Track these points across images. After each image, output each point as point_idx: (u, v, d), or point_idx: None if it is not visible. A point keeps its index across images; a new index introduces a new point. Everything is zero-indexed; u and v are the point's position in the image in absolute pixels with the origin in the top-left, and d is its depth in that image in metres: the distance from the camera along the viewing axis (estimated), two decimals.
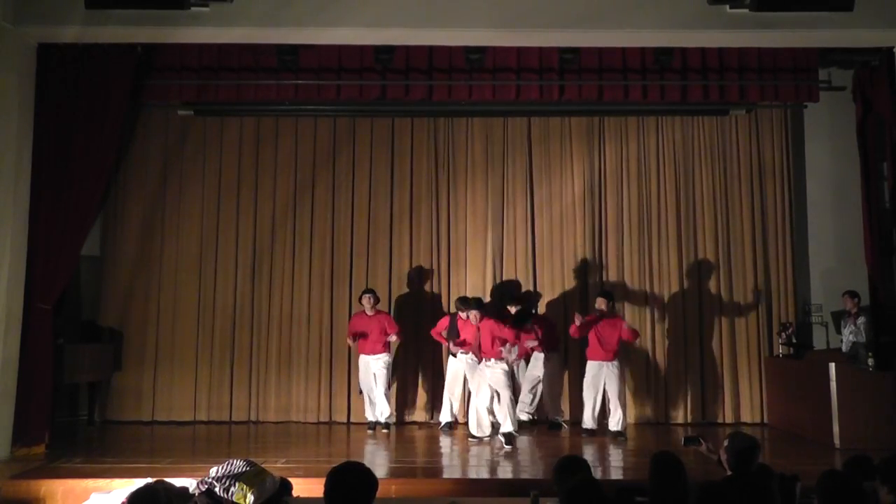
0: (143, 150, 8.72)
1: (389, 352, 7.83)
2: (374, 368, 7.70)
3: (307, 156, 8.81)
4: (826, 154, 8.65)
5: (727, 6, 6.56)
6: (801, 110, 8.71)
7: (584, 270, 8.65)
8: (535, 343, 7.74)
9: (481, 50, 7.48)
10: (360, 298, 7.88)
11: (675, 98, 8.01)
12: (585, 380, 7.52)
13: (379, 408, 7.77)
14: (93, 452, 6.85)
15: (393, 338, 7.76)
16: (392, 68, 7.70)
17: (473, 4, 6.60)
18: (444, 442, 7.47)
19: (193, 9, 6.42)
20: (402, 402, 8.43)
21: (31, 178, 6.81)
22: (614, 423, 7.37)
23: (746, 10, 6.48)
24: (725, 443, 3.70)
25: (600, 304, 7.54)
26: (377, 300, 7.83)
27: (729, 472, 3.63)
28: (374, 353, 7.68)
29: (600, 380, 7.39)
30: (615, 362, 7.37)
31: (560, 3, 6.64)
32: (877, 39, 7.07)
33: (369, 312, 7.71)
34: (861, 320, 7.54)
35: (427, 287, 8.66)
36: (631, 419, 8.15)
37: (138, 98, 7.83)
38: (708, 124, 8.85)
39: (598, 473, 5.40)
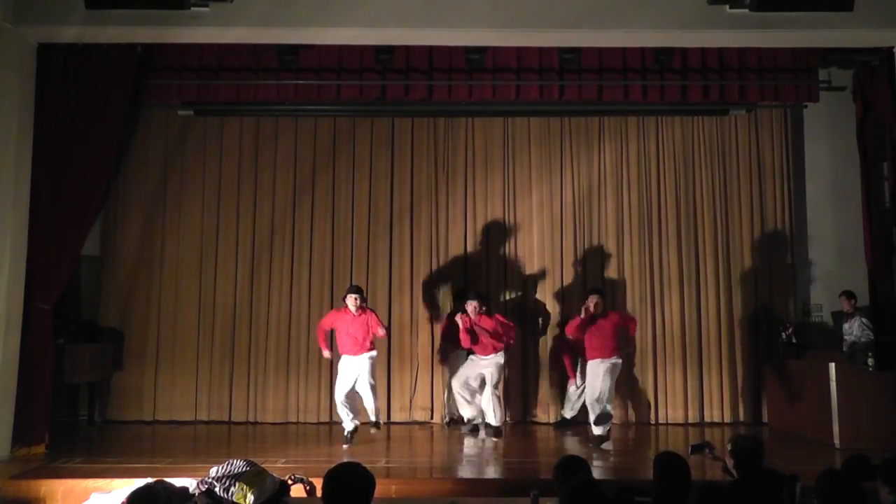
0: (143, 150, 8.71)
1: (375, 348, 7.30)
2: (361, 367, 7.10)
3: (307, 156, 8.80)
4: (826, 154, 8.68)
5: (727, 6, 6.57)
6: (801, 110, 8.74)
7: (584, 270, 8.64)
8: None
9: (481, 50, 7.48)
10: (344, 298, 7.24)
11: (675, 98, 8.04)
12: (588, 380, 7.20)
13: (371, 406, 7.23)
14: (93, 452, 6.85)
15: (381, 332, 7.25)
16: (392, 68, 7.71)
17: (473, 4, 6.61)
18: (444, 442, 7.49)
19: (193, 9, 6.43)
20: (403, 402, 8.42)
21: (31, 178, 6.81)
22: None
23: (746, 10, 6.48)
24: (728, 447, 3.70)
25: (592, 302, 7.11)
26: (364, 300, 7.29)
27: (736, 478, 3.62)
28: (364, 351, 7.12)
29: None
30: (612, 359, 7.03)
31: (560, 3, 6.65)
32: (877, 39, 7.08)
33: (355, 313, 7.14)
34: (860, 321, 7.52)
35: (427, 286, 8.65)
36: (631, 420, 8.19)
37: (138, 98, 7.84)
38: (708, 124, 8.84)
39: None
